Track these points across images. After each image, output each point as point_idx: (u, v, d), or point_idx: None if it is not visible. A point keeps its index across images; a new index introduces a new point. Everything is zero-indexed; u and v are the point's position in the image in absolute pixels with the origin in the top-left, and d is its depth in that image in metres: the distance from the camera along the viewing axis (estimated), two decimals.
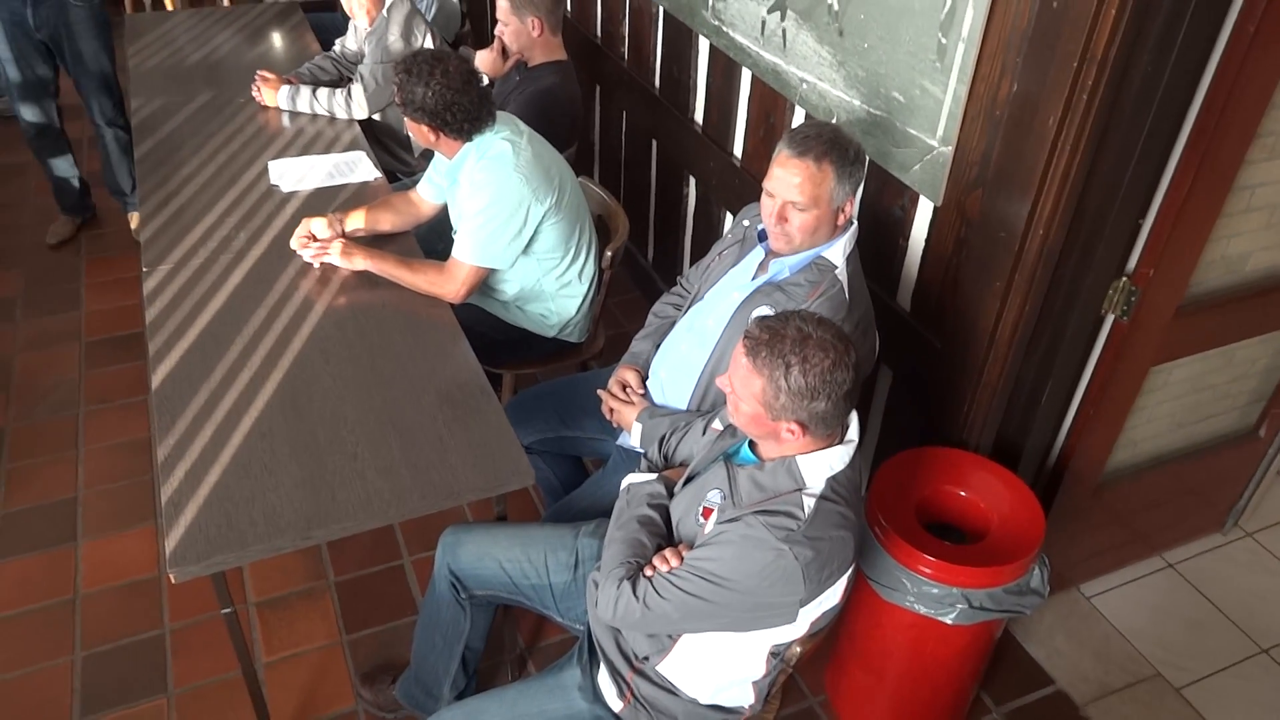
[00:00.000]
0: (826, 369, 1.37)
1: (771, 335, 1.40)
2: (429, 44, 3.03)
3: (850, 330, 1.73)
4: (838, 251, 1.82)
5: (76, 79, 3.45)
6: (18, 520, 2.64)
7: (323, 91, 3.02)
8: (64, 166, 3.71)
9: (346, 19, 3.25)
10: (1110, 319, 2.02)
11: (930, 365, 2.09)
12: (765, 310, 1.77)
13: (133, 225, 3.75)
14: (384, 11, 3.03)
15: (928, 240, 2.03)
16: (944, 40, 1.81)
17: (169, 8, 4.07)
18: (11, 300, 3.47)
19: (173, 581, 1.56)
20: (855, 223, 1.86)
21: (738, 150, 2.71)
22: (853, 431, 1.50)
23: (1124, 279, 1.94)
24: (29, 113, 3.51)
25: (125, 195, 3.74)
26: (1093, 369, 2.10)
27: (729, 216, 2.82)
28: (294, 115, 3.03)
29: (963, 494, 1.98)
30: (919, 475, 1.99)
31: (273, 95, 3.02)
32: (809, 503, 1.41)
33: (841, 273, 1.81)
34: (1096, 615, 2.50)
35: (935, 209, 1.97)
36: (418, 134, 2.28)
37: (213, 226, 2.49)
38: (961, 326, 1.97)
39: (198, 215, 2.54)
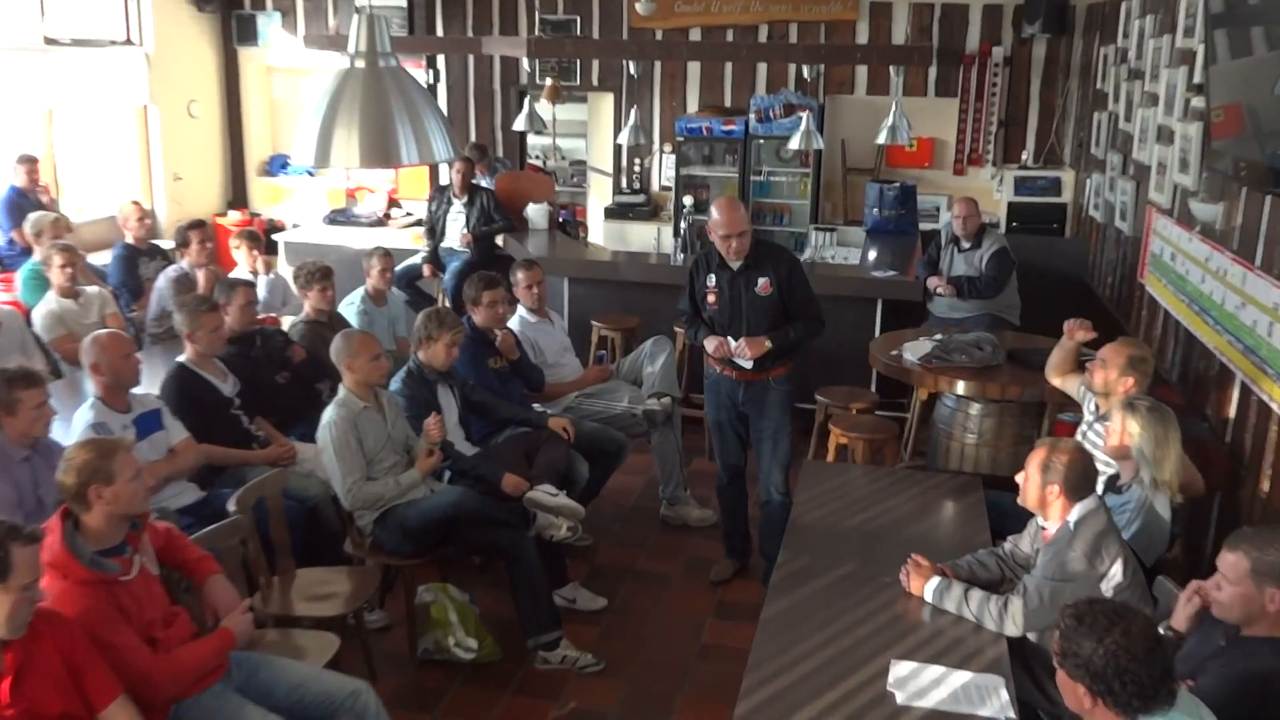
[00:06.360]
0: None
1: None
2: (1119, 573, 2.51)
3: None
4: None
5: (757, 447, 3.93)
6: None
7: (976, 594, 2.66)
8: (738, 516, 4.17)
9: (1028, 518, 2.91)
10: None
11: None
12: None
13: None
14: (1070, 522, 2.61)
15: None
16: None
17: (855, 460, 4.28)
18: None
19: None
20: None
21: None
22: None
23: None
24: (725, 469, 4.13)
25: (773, 563, 3.80)
26: None
27: None
28: (938, 612, 2.70)
29: None
30: None
31: (921, 584, 2.75)
32: None
33: None
34: None
35: None
36: (1070, 694, 1.88)
37: None
38: None
39: (801, 700, 2.34)
